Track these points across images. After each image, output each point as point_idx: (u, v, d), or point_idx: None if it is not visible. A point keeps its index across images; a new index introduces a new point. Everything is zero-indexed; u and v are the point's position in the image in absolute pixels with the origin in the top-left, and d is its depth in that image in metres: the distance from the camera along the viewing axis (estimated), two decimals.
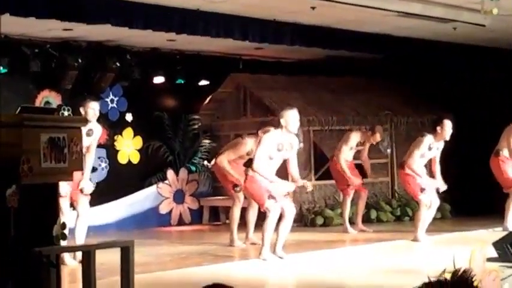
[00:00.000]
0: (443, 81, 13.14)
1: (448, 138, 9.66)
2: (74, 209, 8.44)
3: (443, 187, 9.80)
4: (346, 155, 10.86)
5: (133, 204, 12.14)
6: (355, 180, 10.87)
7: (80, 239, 8.24)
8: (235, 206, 9.67)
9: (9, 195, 4.79)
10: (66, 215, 8.16)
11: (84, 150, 7.94)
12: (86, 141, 8.00)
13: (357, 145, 11.02)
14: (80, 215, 8.38)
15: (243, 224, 9.76)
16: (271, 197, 8.19)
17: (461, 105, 12.66)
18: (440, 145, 9.78)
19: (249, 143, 9.56)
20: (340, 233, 10.84)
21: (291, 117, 8.25)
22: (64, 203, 8.12)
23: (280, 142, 8.26)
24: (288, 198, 8.38)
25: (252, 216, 9.65)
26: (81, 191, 8.36)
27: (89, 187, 8.45)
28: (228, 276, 7.57)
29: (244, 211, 9.74)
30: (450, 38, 11.86)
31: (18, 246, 4.79)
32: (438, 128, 9.61)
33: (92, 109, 8.35)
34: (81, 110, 8.38)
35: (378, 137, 11.04)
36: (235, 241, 9.57)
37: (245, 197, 9.62)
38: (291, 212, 8.34)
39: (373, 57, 12.80)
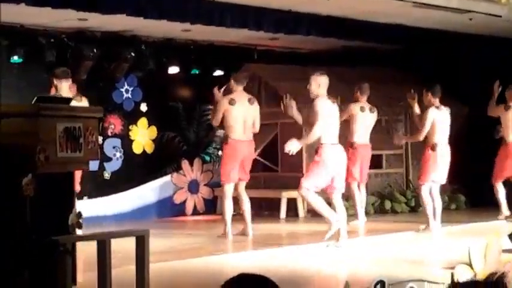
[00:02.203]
0: (459, 72, 13.07)
1: (435, 103, 9.93)
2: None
3: None
4: (359, 135, 10.81)
5: (148, 194, 12.18)
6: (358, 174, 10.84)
7: None
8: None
9: (25, 184, 4.81)
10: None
11: None
12: None
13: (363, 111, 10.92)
14: None
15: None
16: (314, 188, 8.19)
17: (477, 96, 12.61)
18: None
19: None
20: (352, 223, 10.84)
21: (320, 81, 8.39)
22: None
23: (328, 105, 8.40)
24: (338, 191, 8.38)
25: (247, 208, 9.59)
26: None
27: None
28: (242, 265, 7.58)
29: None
30: (466, 28, 11.81)
31: (34, 235, 4.82)
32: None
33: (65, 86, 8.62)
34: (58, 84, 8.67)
35: (363, 86, 10.93)
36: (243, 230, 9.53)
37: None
38: (339, 203, 8.37)
39: (389, 48, 12.76)
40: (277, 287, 2.51)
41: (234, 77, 9.48)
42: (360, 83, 10.92)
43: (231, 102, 9.24)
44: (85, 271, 6.20)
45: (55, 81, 8.66)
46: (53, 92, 11.19)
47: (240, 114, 9.26)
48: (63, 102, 6.33)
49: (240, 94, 9.39)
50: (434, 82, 10.33)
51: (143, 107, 12.54)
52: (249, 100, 9.44)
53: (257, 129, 9.42)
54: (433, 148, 9.80)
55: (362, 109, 10.82)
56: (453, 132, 10.26)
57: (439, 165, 9.82)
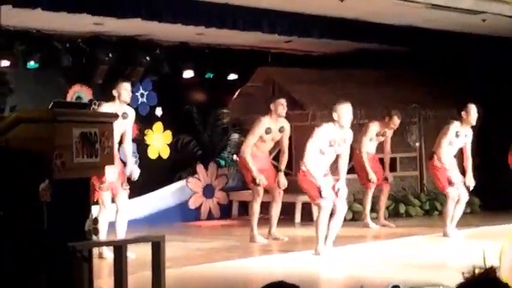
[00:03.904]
0: (473, 73, 13.04)
1: (474, 123, 9.70)
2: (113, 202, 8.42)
3: (471, 183, 9.75)
4: (367, 147, 10.81)
5: (163, 198, 12.18)
6: (374, 175, 10.77)
7: (121, 233, 8.24)
8: (255, 200, 9.57)
9: (42, 189, 4.84)
10: (108, 209, 8.20)
11: (118, 138, 8.02)
12: (122, 125, 7.98)
13: (377, 135, 10.95)
14: (119, 210, 8.36)
15: (265, 218, 9.81)
16: (323, 194, 8.17)
17: (491, 98, 12.57)
18: (469, 133, 9.79)
19: (265, 121, 9.52)
20: (367, 228, 10.81)
21: (344, 111, 8.23)
22: (106, 196, 8.16)
23: (333, 137, 8.26)
24: (341, 192, 8.35)
25: (275, 211, 9.64)
26: (129, 178, 8.37)
27: (136, 172, 8.46)
28: (257, 271, 7.60)
29: (267, 205, 9.74)
30: (479, 30, 11.77)
31: (51, 241, 4.84)
32: (463, 113, 9.67)
33: (126, 89, 8.32)
34: (114, 92, 8.30)
35: (396, 120, 10.93)
36: (256, 237, 9.49)
37: (266, 192, 9.61)
38: (342, 210, 8.35)
39: (402, 50, 12.74)
40: None
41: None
42: (393, 111, 10.94)
43: None
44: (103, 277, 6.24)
45: (117, 88, 8.26)
46: (69, 98, 11.28)
47: None
48: (80, 107, 6.38)
49: None
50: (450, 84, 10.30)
51: (158, 112, 12.58)
52: None
53: None
54: None
55: (378, 133, 10.91)
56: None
57: None
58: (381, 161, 11.19)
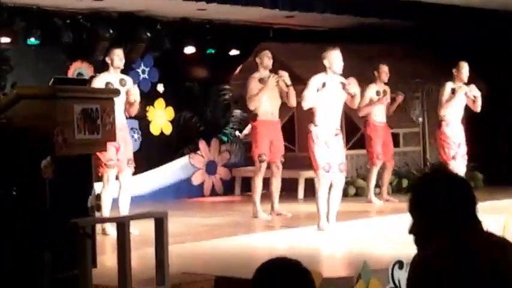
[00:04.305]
0: (476, 48, 12.97)
1: (465, 79, 9.85)
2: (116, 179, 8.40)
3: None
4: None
5: (166, 175, 12.17)
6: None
7: (124, 210, 8.24)
8: (257, 176, 9.54)
9: (44, 166, 4.82)
10: (112, 185, 8.18)
11: (122, 107, 8.06)
12: (122, 92, 7.94)
13: (378, 94, 10.88)
14: (122, 187, 8.37)
15: (267, 194, 9.77)
16: (326, 166, 8.15)
17: (495, 73, 12.52)
18: (464, 87, 9.85)
19: (254, 75, 9.50)
20: (370, 203, 10.80)
21: (335, 56, 8.26)
22: (111, 173, 8.14)
23: (326, 80, 8.28)
24: (342, 167, 8.33)
25: (275, 186, 9.61)
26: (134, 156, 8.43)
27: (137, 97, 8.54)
28: (260, 247, 7.59)
29: (268, 181, 9.71)
30: (484, 4, 11.69)
31: (54, 217, 4.84)
32: (454, 70, 9.92)
33: (117, 55, 8.36)
34: (107, 59, 8.38)
35: (383, 67, 10.87)
36: (259, 213, 9.47)
37: (268, 168, 9.57)
38: (339, 182, 8.33)
39: (405, 24, 12.66)
40: (307, 272, 2.50)
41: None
42: (380, 65, 10.92)
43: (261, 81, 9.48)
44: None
45: (109, 55, 8.42)
46: (70, 74, 11.24)
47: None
48: (80, 84, 6.35)
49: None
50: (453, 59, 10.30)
51: (160, 88, 12.54)
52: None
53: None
54: None
55: (378, 93, 10.84)
56: (472, 110, 10.24)
57: None
58: (393, 135, 11.21)
